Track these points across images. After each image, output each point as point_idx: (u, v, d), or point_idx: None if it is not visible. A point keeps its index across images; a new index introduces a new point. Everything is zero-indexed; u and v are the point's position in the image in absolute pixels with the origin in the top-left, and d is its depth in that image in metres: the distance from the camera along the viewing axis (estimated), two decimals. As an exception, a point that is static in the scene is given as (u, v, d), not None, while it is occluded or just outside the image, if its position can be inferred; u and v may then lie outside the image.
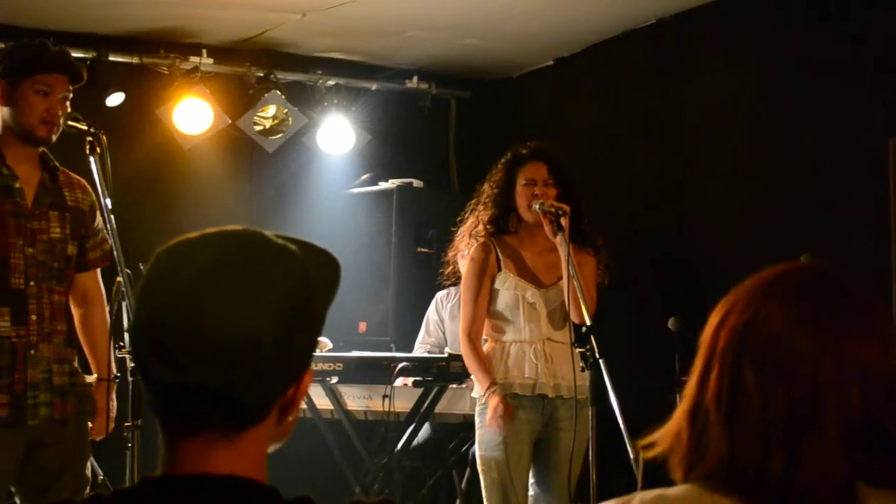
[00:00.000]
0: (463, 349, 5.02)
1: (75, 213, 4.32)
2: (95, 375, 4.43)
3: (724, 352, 1.51)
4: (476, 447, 4.99)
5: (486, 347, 5.01)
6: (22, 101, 4.17)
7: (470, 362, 5.00)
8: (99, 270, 4.49)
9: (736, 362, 1.50)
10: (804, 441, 1.45)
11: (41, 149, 4.29)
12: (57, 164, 4.33)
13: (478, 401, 4.98)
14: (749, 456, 1.47)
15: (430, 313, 6.48)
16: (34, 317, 4.16)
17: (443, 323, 6.40)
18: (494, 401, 4.81)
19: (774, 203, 5.98)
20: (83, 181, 4.39)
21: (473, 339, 4.98)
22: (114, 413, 4.38)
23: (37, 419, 4.14)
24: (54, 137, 4.24)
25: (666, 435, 1.56)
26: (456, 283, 5.95)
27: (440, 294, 6.46)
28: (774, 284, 1.54)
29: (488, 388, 4.85)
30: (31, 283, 4.17)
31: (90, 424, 4.35)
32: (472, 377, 5.12)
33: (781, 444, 1.46)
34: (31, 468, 4.17)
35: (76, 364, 4.33)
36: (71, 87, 4.25)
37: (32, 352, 4.15)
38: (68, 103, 4.24)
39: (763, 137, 6.14)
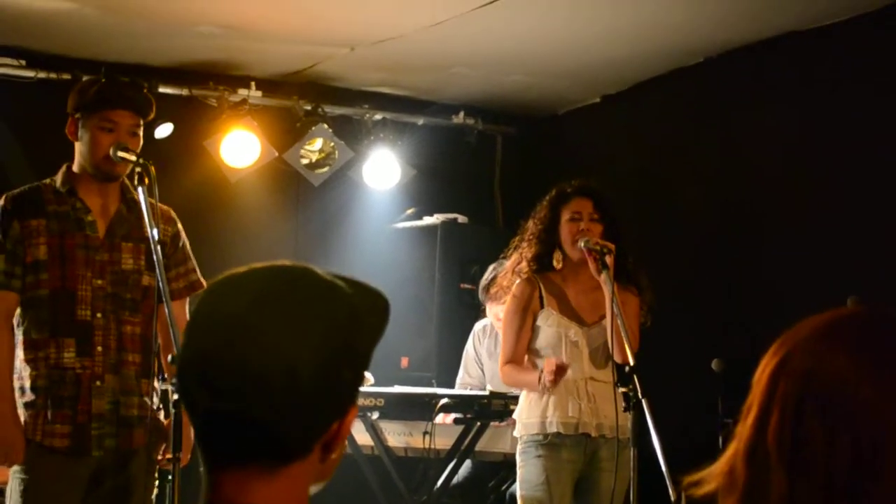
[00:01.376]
0: (504, 375, 5.01)
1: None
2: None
3: (784, 396, 1.49)
4: (517, 487, 4.95)
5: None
6: (88, 138, 4.26)
7: (514, 375, 4.98)
8: (187, 301, 4.50)
9: (798, 407, 1.48)
10: (866, 490, 1.43)
11: (120, 180, 4.35)
12: (136, 195, 4.37)
13: (520, 440, 4.95)
14: (810, 502, 1.45)
15: (469, 349, 6.46)
16: (100, 348, 4.21)
17: (480, 359, 6.38)
18: (549, 364, 4.76)
19: (822, 245, 5.93)
20: (170, 211, 4.43)
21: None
22: (190, 442, 4.34)
23: (101, 450, 4.18)
24: (123, 171, 4.29)
25: (717, 474, 1.54)
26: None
27: (477, 328, 6.45)
28: (836, 331, 1.52)
29: (539, 373, 4.81)
30: (98, 315, 4.22)
31: (159, 457, 4.35)
32: (513, 416, 5.09)
33: (844, 493, 1.43)
34: (94, 497, 4.20)
35: (153, 395, 4.34)
36: (141, 122, 4.31)
37: (98, 383, 4.19)
38: (140, 137, 4.29)
39: (811, 178, 6.10)
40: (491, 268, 6.19)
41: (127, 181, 4.38)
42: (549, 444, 4.83)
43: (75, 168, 4.32)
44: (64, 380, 4.16)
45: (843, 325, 1.53)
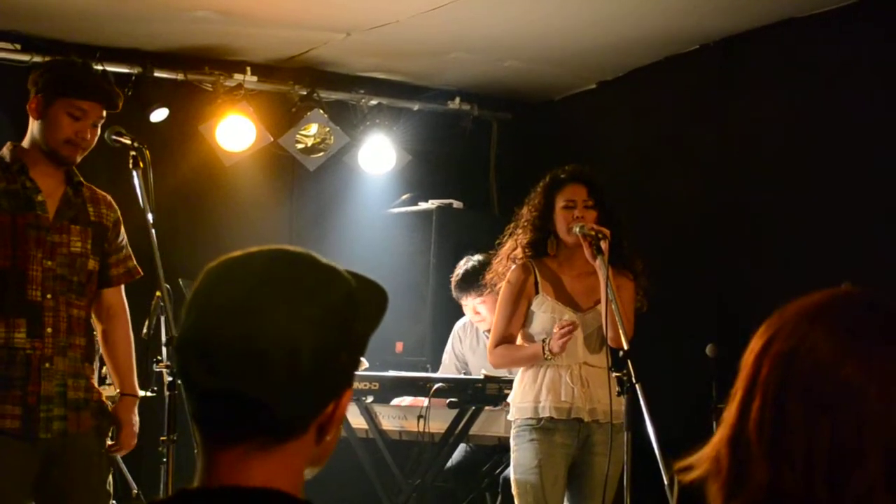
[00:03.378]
0: (496, 357, 5.01)
1: (98, 228, 4.32)
2: (118, 391, 4.43)
3: (766, 380, 1.49)
4: (511, 471, 4.97)
5: (522, 369, 4.99)
6: (52, 120, 4.18)
7: (508, 354, 4.98)
8: (123, 287, 4.48)
9: (779, 392, 1.47)
10: (848, 476, 1.43)
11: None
12: (81, 179, 4.34)
13: (513, 424, 4.96)
14: (792, 489, 1.45)
15: (448, 351, 6.44)
16: (49, 329, 4.14)
17: (464, 357, 6.39)
18: (560, 324, 4.80)
19: (815, 229, 5.94)
20: (108, 197, 4.40)
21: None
22: (136, 428, 4.36)
23: (49, 433, 4.11)
24: (78, 159, 4.26)
25: (704, 459, 1.55)
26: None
27: (458, 327, 6.45)
28: (820, 311, 1.51)
29: (542, 342, 4.84)
30: (49, 296, 4.16)
31: (110, 441, 4.35)
32: (507, 399, 5.11)
33: (825, 479, 1.43)
34: (46, 483, 4.15)
35: (94, 379, 4.33)
36: (104, 114, 4.27)
37: (47, 365, 4.13)
38: (99, 128, 4.26)
39: (805, 163, 6.10)
40: (462, 262, 6.20)
41: (74, 168, 4.34)
42: (543, 428, 4.85)
43: (26, 145, 4.24)
44: (14, 360, 4.09)
45: (828, 307, 1.53)
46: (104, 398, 4.35)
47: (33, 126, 4.24)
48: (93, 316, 4.38)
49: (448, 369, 6.40)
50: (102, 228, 4.34)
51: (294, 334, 1.49)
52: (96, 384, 4.33)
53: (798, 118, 6.18)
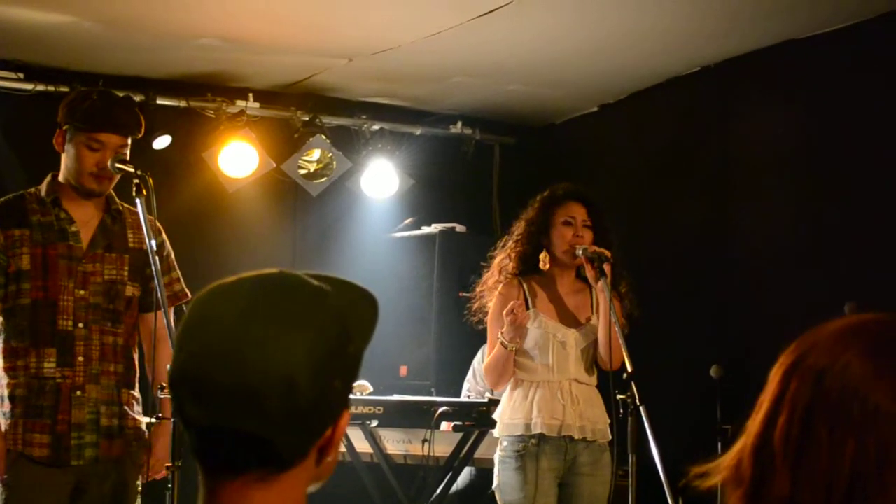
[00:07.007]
0: (486, 374, 4.99)
1: (137, 254, 4.36)
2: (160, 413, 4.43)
3: (795, 397, 1.48)
4: (498, 494, 4.86)
5: (511, 386, 4.94)
6: (73, 153, 4.27)
7: (489, 362, 4.94)
8: (172, 310, 4.49)
9: (808, 410, 1.47)
10: (868, 500, 1.42)
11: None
12: (121, 206, 4.38)
13: (499, 445, 4.88)
14: None
15: (478, 358, 6.46)
16: (81, 358, 4.21)
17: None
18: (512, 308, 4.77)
19: (818, 251, 5.94)
20: (154, 222, 4.42)
21: None
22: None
23: (81, 459, 4.17)
24: (108, 188, 4.31)
25: (724, 468, 1.54)
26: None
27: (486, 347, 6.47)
28: (856, 334, 1.50)
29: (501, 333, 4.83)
30: (80, 325, 4.22)
31: (144, 464, 4.36)
32: (495, 416, 5.07)
33: (844, 499, 1.43)
34: None
35: (134, 406, 4.35)
36: (129, 141, 4.31)
37: (78, 393, 4.19)
38: (126, 154, 4.29)
39: (807, 185, 6.11)
40: None
41: (112, 192, 4.39)
42: (530, 453, 4.77)
43: (61, 178, 4.33)
44: (44, 389, 4.16)
45: (863, 329, 1.51)
46: (142, 425, 4.35)
47: (62, 160, 4.33)
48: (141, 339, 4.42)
49: (479, 371, 6.36)
50: (142, 254, 4.35)
51: (287, 368, 1.47)
52: (137, 410, 4.35)
53: (797, 140, 6.19)
